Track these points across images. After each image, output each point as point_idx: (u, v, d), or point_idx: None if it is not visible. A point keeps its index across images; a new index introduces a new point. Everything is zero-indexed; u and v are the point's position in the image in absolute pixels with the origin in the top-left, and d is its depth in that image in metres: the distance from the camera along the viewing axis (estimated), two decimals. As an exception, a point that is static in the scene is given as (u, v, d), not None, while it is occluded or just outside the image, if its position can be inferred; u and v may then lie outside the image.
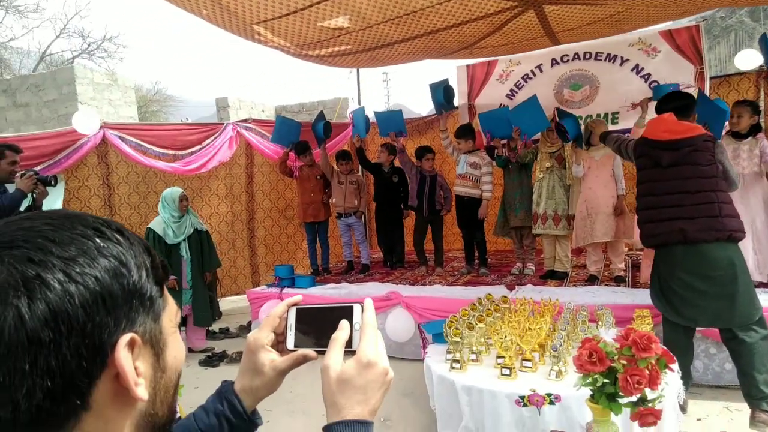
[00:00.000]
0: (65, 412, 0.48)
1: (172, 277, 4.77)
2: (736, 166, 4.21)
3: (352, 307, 0.77)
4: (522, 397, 2.61)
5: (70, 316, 0.47)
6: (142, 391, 0.52)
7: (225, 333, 5.79)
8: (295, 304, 0.84)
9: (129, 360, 0.51)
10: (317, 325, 0.80)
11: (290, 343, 0.82)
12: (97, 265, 0.50)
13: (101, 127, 6.00)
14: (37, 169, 4.44)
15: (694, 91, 5.02)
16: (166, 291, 0.59)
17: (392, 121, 5.84)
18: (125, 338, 0.50)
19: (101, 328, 0.49)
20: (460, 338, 3.08)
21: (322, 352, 0.77)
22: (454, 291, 4.77)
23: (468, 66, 6.34)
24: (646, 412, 1.66)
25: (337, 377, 0.70)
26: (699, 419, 3.25)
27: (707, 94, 5.17)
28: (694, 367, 3.71)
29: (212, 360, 4.91)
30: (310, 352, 0.80)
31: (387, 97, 29.40)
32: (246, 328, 5.85)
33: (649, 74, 5.42)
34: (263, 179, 7.21)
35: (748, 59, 4.96)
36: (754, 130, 4.14)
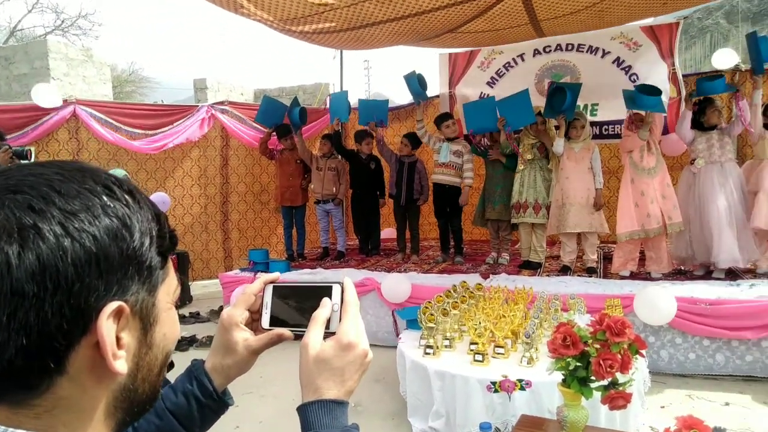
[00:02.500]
0: (38, 372, 0.45)
1: None
2: (711, 156, 4.31)
3: (331, 287, 0.75)
4: (494, 383, 2.63)
5: (59, 272, 0.44)
6: (120, 364, 0.48)
7: (195, 317, 5.70)
8: (271, 282, 0.81)
9: (111, 329, 0.47)
10: (294, 305, 0.77)
11: (265, 322, 0.79)
12: (97, 224, 0.47)
13: (72, 103, 5.86)
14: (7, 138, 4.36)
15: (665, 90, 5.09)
16: (169, 264, 0.56)
17: (376, 110, 5.78)
18: (112, 306, 0.47)
19: (89, 291, 0.46)
20: (435, 324, 3.09)
21: (299, 333, 0.74)
22: (429, 278, 4.78)
23: (450, 54, 6.32)
24: (616, 396, 1.67)
25: (316, 357, 0.68)
26: (663, 407, 3.32)
27: (683, 92, 5.24)
28: (659, 356, 3.80)
29: (181, 344, 4.83)
30: (285, 331, 0.77)
31: (368, 85, 29.17)
32: (217, 313, 5.77)
33: (629, 67, 5.46)
34: (238, 162, 7.10)
35: (725, 58, 5.04)
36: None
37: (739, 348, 3.63)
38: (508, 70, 6.03)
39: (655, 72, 5.15)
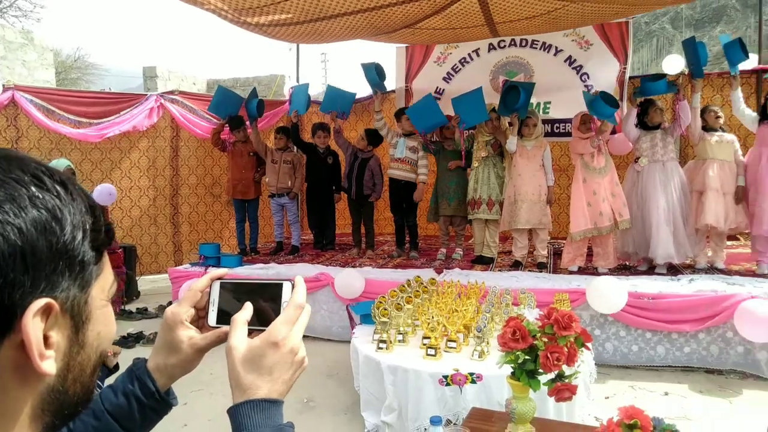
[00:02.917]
0: None
1: None
2: (654, 155, 4.47)
3: (281, 285, 0.74)
4: (445, 377, 2.65)
5: None
6: (48, 364, 0.45)
7: (143, 313, 5.52)
8: (219, 278, 0.79)
9: (38, 328, 0.44)
10: (243, 302, 0.75)
11: (212, 319, 0.77)
12: (24, 216, 0.44)
13: (10, 89, 5.57)
14: None
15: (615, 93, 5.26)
16: (105, 258, 0.53)
17: (341, 100, 5.69)
18: (39, 303, 0.44)
19: (14, 287, 0.43)
20: (388, 319, 3.09)
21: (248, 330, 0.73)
22: (383, 273, 4.78)
23: (407, 47, 6.32)
24: (563, 388, 1.71)
25: (243, 357, 0.67)
26: (607, 397, 3.44)
27: (624, 94, 5.41)
28: (604, 348, 3.93)
29: (127, 341, 4.67)
30: None
31: (324, 78, 28.94)
32: (165, 309, 5.62)
33: (581, 66, 5.60)
34: (189, 154, 6.90)
35: (674, 64, 5.22)
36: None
37: (678, 340, 3.79)
38: (463, 66, 6.09)
39: (604, 72, 5.29)
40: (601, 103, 4.45)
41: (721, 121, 4.51)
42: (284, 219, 6.15)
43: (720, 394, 3.45)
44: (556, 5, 4.38)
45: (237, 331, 0.69)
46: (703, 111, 4.51)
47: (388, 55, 7.77)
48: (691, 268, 4.54)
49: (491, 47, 5.95)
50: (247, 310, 0.71)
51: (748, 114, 4.40)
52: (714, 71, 6.09)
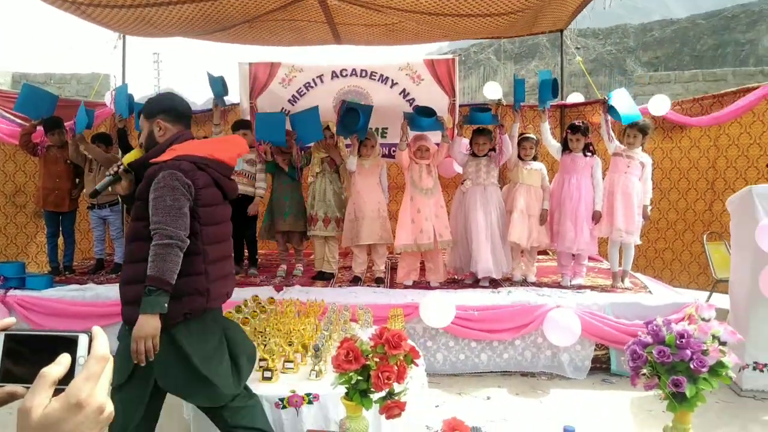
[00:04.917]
0: None
1: None
2: (478, 179, 4.87)
3: (77, 338, 0.66)
4: (281, 399, 2.59)
5: None
6: None
7: None
8: (4, 329, 0.68)
9: None
10: (32, 357, 0.66)
11: None
12: None
13: None
14: None
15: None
16: None
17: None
18: None
19: None
20: (221, 342, 2.93)
21: None
22: (219, 292, 4.54)
23: (250, 64, 6.19)
24: (392, 405, 1.76)
25: (38, 424, 0.58)
26: (437, 406, 3.63)
27: (455, 123, 5.86)
28: (435, 359, 4.17)
29: None
30: (18, 388, 0.66)
31: (157, 80, 27.10)
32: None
33: (413, 99, 5.99)
34: (-13, 157, 5.93)
35: (493, 90, 5.80)
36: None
37: (498, 347, 4.17)
38: (308, 90, 6.16)
39: (436, 105, 5.66)
40: (419, 118, 4.80)
41: (533, 151, 5.08)
42: (106, 233, 5.57)
43: (532, 395, 3.85)
44: (393, 19, 4.62)
45: (40, 391, 0.60)
46: (520, 141, 5.04)
47: (228, 62, 7.51)
48: (509, 281, 5.02)
49: (334, 75, 6.13)
50: (60, 365, 0.62)
51: (553, 144, 5.02)
52: (528, 103, 6.84)
